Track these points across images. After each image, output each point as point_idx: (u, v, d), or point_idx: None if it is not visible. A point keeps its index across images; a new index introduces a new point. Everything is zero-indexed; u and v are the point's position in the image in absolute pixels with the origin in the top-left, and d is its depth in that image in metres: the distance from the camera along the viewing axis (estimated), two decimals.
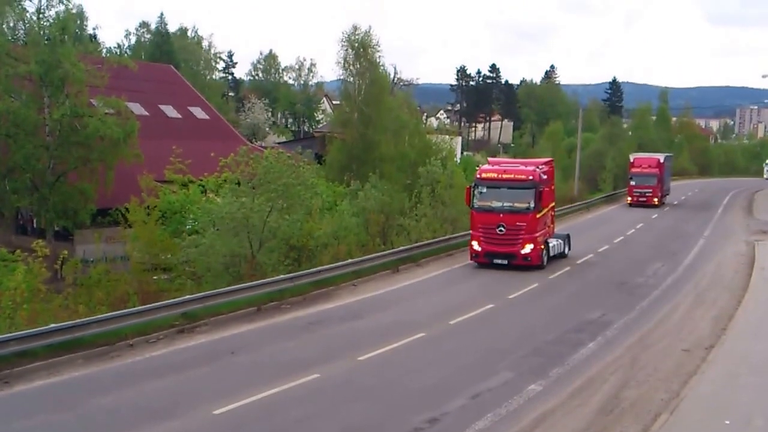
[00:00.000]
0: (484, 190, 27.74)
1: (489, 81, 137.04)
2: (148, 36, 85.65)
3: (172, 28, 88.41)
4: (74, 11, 31.51)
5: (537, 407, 13.72)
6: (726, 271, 28.44)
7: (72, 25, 30.63)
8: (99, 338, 17.07)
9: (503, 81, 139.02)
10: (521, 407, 13.71)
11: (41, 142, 29.03)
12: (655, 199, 53.24)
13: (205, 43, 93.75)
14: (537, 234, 27.32)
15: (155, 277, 24.76)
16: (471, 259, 27.97)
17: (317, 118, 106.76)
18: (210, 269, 23.65)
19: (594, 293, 24.27)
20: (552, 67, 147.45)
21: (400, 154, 43.72)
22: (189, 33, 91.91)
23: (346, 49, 45.11)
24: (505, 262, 27.11)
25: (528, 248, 27.04)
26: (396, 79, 71.76)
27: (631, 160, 55.73)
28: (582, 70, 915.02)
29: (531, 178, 27.47)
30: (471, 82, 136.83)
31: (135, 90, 38.51)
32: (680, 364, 16.45)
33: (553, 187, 30.47)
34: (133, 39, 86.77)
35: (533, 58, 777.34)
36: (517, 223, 27.02)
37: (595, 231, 40.10)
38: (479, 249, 27.57)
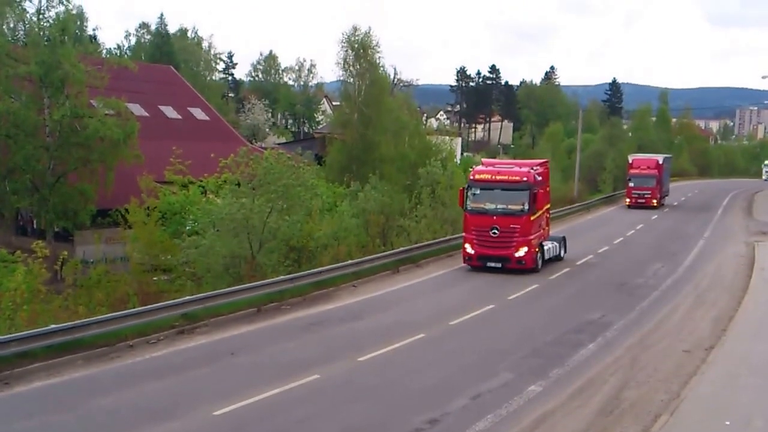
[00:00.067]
0: (478, 191, 27.29)
1: (489, 82, 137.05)
2: (148, 37, 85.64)
3: (172, 28, 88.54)
4: (74, 12, 31.53)
5: (537, 408, 13.72)
6: (726, 272, 28.44)
7: (72, 25, 30.63)
8: (99, 339, 17.08)
9: (503, 82, 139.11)
10: (521, 408, 13.72)
11: (41, 142, 29.03)
12: (654, 201, 52.91)
13: (205, 44, 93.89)
14: (531, 237, 26.86)
15: (155, 278, 24.75)
16: (464, 263, 27.49)
17: (317, 119, 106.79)
18: (210, 270, 23.65)
19: (594, 294, 24.27)
20: (552, 67, 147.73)
21: (400, 155, 43.73)
22: (189, 34, 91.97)
23: (346, 50, 45.15)
24: (499, 265, 26.68)
25: (522, 251, 26.55)
26: (396, 79, 71.72)
27: (630, 162, 55.36)
28: (582, 70, 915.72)
29: (525, 179, 27.03)
30: (471, 83, 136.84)
31: (135, 91, 38.52)
32: (680, 365, 16.45)
33: (548, 189, 29.98)
34: (133, 40, 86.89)
35: (533, 59, 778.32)
36: (511, 226, 26.56)
37: (594, 232, 40.13)
38: (472, 252, 27.09)
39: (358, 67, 45.35)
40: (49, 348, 16.13)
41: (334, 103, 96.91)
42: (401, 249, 28.33)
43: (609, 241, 36.00)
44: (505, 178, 27.34)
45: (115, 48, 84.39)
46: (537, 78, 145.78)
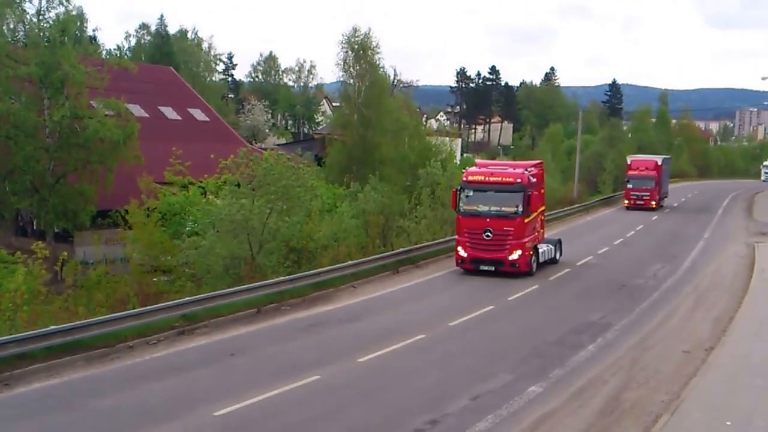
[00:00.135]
0: (471, 193, 26.84)
1: (489, 83, 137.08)
2: (148, 38, 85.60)
3: (172, 29, 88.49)
4: (74, 13, 31.39)
5: (537, 409, 13.73)
6: (726, 272, 28.45)
7: (72, 26, 30.57)
8: (99, 340, 17.07)
9: (503, 83, 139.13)
10: (522, 409, 13.72)
11: (41, 143, 29.01)
12: (653, 203, 52.52)
13: (205, 45, 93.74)
14: (525, 239, 26.40)
15: (155, 279, 24.73)
16: (457, 266, 27.08)
17: (317, 120, 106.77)
18: (210, 271, 23.64)
19: (594, 295, 24.26)
20: (552, 69, 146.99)
21: (400, 156, 43.78)
22: (189, 35, 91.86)
23: (346, 51, 45.21)
24: (492, 268, 26.25)
25: (516, 254, 26.08)
26: (396, 80, 71.87)
27: (629, 163, 55.02)
28: (582, 72, 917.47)
29: (519, 181, 26.48)
30: (471, 84, 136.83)
31: (135, 92, 38.51)
32: (681, 366, 16.46)
33: (542, 191, 29.39)
34: (133, 41, 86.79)
35: (533, 60, 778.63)
36: (505, 228, 26.10)
37: (594, 233, 40.13)
38: (465, 255, 26.63)
39: (358, 68, 45.40)
40: (49, 349, 16.12)
41: (334, 104, 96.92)
42: (401, 250, 28.31)
43: (609, 242, 36.00)
44: (499, 179, 26.84)
45: (115, 49, 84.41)
46: (537, 79, 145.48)
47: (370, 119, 44.33)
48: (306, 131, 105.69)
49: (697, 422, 12.86)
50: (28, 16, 30.05)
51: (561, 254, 29.98)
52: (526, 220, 26.39)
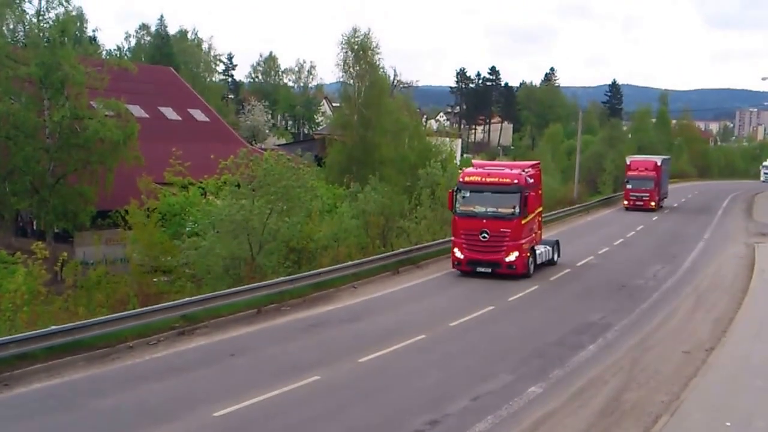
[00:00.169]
0: (467, 194, 26.54)
1: (489, 83, 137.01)
2: (148, 38, 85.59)
3: (172, 30, 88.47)
4: (74, 13, 31.41)
5: (537, 409, 13.73)
6: (726, 273, 28.46)
7: (72, 27, 30.57)
8: (99, 340, 17.07)
9: (503, 83, 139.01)
10: (522, 409, 13.73)
11: (41, 144, 29.01)
12: (652, 203, 52.19)
13: (204, 46, 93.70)
14: (522, 241, 26.09)
15: (155, 279, 24.72)
16: (453, 267, 26.83)
17: (317, 121, 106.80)
18: (210, 271, 23.64)
19: (594, 295, 24.26)
20: (552, 69, 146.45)
21: (400, 157, 43.79)
22: (189, 35, 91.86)
23: (346, 52, 45.24)
24: (489, 270, 25.96)
25: (513, 256, 25.78)
26: (396, 81, 71.91)
27: (628, 163, 54.78)
28: (582, 72, 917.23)
29: (516, 181, 26.25)
30: (471, 85, 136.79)
31: (135, 92, 38.50)
32: (681, 367, 16.47)
33: (540, 192, 29.05)
34: (133, 41, 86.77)
35: (533, 60, 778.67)
36: (502, 230, 25.81)
37: (594, 233, 40.15)
38: (461, 256, 26.36)
39: (357, 68, 45.43)
40: (49, 349, 16.12)
41: (333, 105, 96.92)
42: (401, 250, 28.32)
43: (609, 242, 36.00)
44: (496, 180, 26.60)
45: (115, 49, 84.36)
46: (537, 79, 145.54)
47: (370, 120, 44.35)
48: (306, 132, 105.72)
49: (697, 423, 12.87)
50: (27, 17, 30.05)
51: (559, 255, 29.75)
52: (523, 222, 26.14)
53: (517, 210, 25.90)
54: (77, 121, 29.05)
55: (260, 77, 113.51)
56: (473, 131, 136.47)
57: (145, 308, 18.70)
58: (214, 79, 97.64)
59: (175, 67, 62.36)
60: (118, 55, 76.44)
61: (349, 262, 25.37)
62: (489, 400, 14.15)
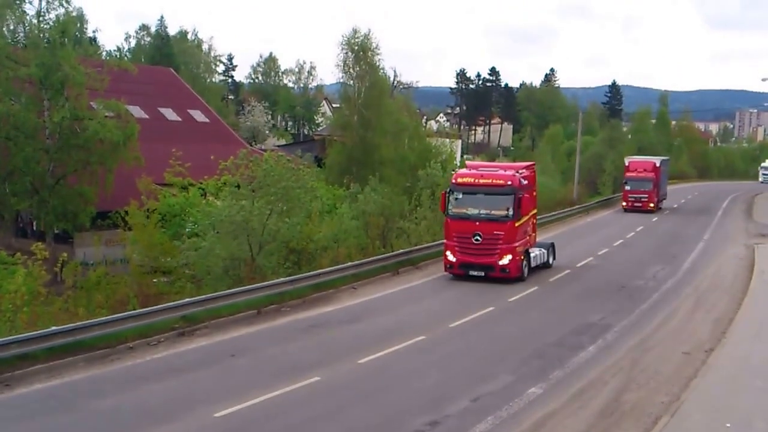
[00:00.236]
0: (460, 196, 26.05)
1: (489, 84, 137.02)
2: (148, 39, 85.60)
3: (172, 31, 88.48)
4: (74, 14, 31.40)
5: (537, 410, 13.74)
6: (726, 274, 28.48)
7: (72, 27, 30.58)
8: (99, 341, 17.08)
9: (503, 84, 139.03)
10: (522, 410, 13.73)
11: (41, 145, 29.01)
12: (651, 205, 51.74)
13: (205, 46, 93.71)
14: (516, 244, 25.57)
15: (155, 280, 24.74)
16: (445, 271, 26.41)
17: (317, 121, 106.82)
18: (210, 272, 23.64)
19: (594, 296, 24.26)
20: (552, 70, 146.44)
21: (400, 157, 43.81)
22: (189, 36, 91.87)
23: (346, 52, 45.28)
24: (482, 274, 25.47)
25: (506, 259, 25.26)
26: (396, 82, 71.95)
27: (626, 164, 54.40)
28: (582, 73, 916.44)
29: (509, 183, 25.71)
30: (471, 85, 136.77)
31: (135, 93, 38.48)
32: (680, 367, 16.47)
33: (534, 193, 28.43)
34: (133, 42, 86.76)
35: (533, 61, 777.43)
36: (495, 232, 25.31)
37: (594, 234, 40.16)
38: (454, 260, 25.91)
39: (357, 69, 45.46)
40: (49, 350, 16.13)
41: (333, 105, 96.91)
42: (401, 251, 28.33)
43: (609, 243, 36.01)
44: (489, 181, 26.05)
45: (115, 50, 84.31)
46: (537, 80, 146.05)
47: (370, 120, 44.37)
48: (306, 132, 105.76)
49: (697, 423, 12.88)
50: (28, 17, 30.05)
51: (554, 258, 29.27)
52: (516, 224, 25.65)
53: (511, 212, 25.42)
54: (77, 122, 29.05)
55: (260, 78, 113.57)
56: (473, 132, 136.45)
57: (145, 309, 18.71)
58: (214, 79, 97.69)
59: (175, 68, 62.38)
60: (118, 56, 76.36)
61: (349, 263, 25.38)
62: (489, 400, 14.15)
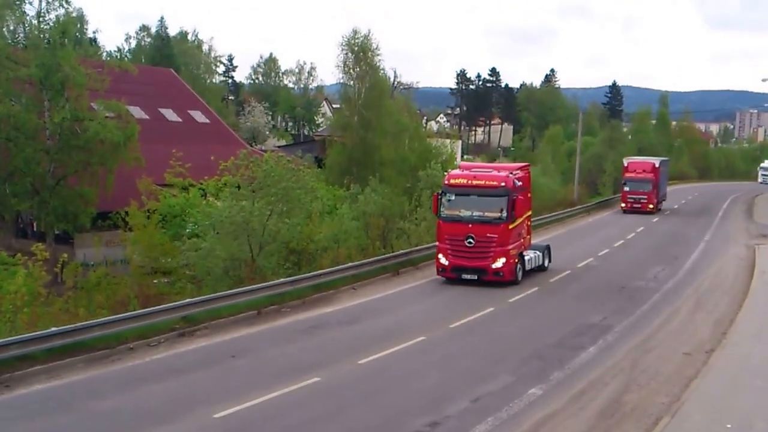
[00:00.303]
0: (453, 197, 25.42)
1: (489, 85, 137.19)
2: (149, 39, 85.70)
3: (172, 31, 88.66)
4: (74, 15, 31.51)
5: (538, 411, 13.72)
6: (727, 274, 28.45)
7: (72, 28, 30.60)
8: (100, 342, 17.07)
9: (503, 85, 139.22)
10: (522, 411, 13.71)
11: (41, 145, 29.03)
12: (651, 206, 51.06)
13: (205, 47, 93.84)
14: (510, 246, 24.98)
15: (155, 281, 24.75)
16: (438, 274, 25.83)
17: (317, 122, 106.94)
18: (210, 273, 23.65)
19: (595, 297, 24.23)
20: (552, 70, 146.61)
21: (401, 158, 43.85)
22: (189, 36, 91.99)
23: (346, 53, 45.34)
24: (475, 277, 24.91)
25: (500, 262, 24.67)
26: (396, 82, 72.04)
27: (625, 165, 53.87)
28: (582, 73, 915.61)
29: (503, 184, 25.08)
30: (471, 86, 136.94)
31: (135, 93, 38.52)
32: (681, 368, 16.45)
33: (529, 195, 27.83)
34: (134, 42, 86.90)
35: (533, 62, 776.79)
36: (488, 235, 24.72)
37: (594, 235, 40.14)
38: (446, 263, 25.27)
39: (358, 69, 45.52)
40: (49, 351, 16.12)
41: (334, 106, 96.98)
42: (401, 252, 28.31)
43: (609, 244, 35.98)
44: (482, 183, 25.43)
45: (115, 51, 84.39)
46: (537, 81, 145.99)
47: (370, 121, 44.41)
48: (306, 133, 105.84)
49: (698, 424, 12.86)
50: (28, 18, 30.09)
51: (550, 261, 28.79)
52: (510, 226, 25.08)
53: (505, 214, 24.82)
54: (77, 123, 29.07)
55: (260, 78, 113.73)
56: (473, 133, 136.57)
57: (145, 310, 18.72)
58: (214, 80, 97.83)
59: (176, 69, 62.44)
60: (118, 57, 76.43)
61: (349, 264, 25.37)
62: (489, 401, 14.14)
